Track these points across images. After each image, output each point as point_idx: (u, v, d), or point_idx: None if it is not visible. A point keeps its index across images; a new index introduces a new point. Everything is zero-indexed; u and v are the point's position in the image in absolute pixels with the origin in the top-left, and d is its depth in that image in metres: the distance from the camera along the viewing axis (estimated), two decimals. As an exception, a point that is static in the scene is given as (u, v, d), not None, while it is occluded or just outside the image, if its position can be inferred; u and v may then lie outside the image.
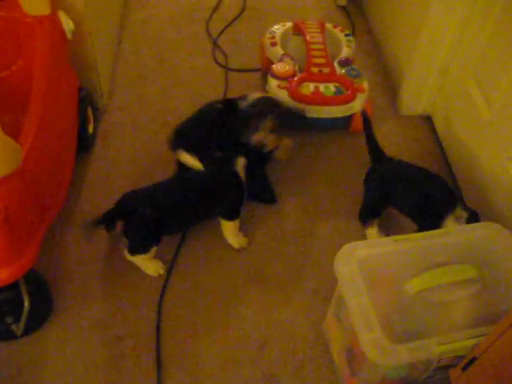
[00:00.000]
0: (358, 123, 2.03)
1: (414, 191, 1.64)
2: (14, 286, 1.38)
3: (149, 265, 1.66)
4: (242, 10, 2.66)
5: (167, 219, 1.59)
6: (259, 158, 1.76)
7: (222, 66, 2.35)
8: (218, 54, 2.42)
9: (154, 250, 1.61)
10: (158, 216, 1.55)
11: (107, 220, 1.55)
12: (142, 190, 1.61)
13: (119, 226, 1.54)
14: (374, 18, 2.56)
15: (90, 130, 1.95)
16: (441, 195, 1.62)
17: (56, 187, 1.61)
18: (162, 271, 1.67)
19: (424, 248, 1.34)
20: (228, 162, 1.67)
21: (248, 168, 1.68)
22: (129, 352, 1.50)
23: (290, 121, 1.82)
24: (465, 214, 1.55)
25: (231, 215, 1.70)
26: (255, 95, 1.82)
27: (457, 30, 1.89)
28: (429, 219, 1.61)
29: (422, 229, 1.54)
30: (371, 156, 1.78)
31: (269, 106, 1.78)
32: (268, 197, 1.85)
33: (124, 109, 2.14)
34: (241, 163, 1.67)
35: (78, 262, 1.68)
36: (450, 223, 1.56)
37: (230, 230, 1.71)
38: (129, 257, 1.64)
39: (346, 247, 1.31)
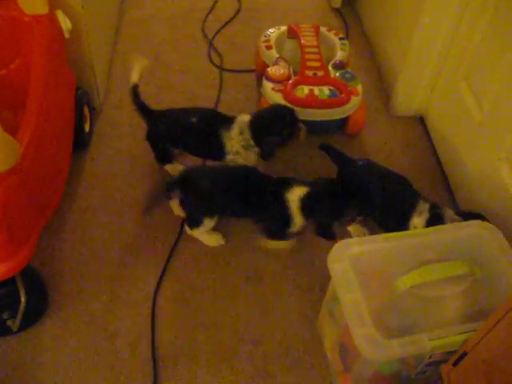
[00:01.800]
0: (352, 125, 2.06)
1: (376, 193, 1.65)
2: (10, 282, 1.39)
3: (208, 237, 1.73)
4: (238, 11, 2.68)
5: (221, 199, 1.64)
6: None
7: (217, 66, 2.37)
8: (214, 54, 2.44)
9: (210, 223, 1.67)
10: (213, 192, 1.62)
11: (169, 187, 1.64)
12: (207, 167, 1.74)
13: (177, 195, 1.63)
14: (367, 21, 2.59)
15: (87, 128, 1.96)
16: (403, 195, 1.63)
17: (53, 185, 1.63)
18: (222, 241, 1.74)
19: (415, 245, 1.36)
20: (282, 186, 1.61)
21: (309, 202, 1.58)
22: (124, 347, 1.52)
23: None
24: (426, 211, 1.57)
25: (267, 234, 1.70)
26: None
27: (449, 33, 1.92)
28: (394, 220, 1.63)
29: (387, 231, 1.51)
30: (337, 165, 1.78)
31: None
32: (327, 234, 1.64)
33: (120, 108, 2.15)
34: (297, 194, 1.59)
35: (74, 258, 1.69)
36: (415, 221, 1.57)
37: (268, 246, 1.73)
38: (188, 231, 1.72)
39: (339, 245, 1.33)
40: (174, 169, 1.87)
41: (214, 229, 1.72)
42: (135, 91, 1.78)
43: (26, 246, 1.39)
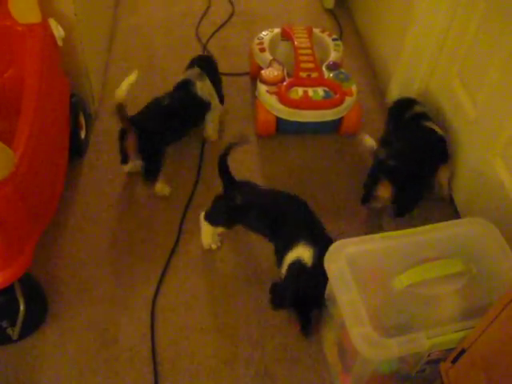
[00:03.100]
0: (347, 126, 2.07)
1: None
2: (9, 290, 1.39)
3: (207, 236, 1.72)
4: (231, 15, 2.69)
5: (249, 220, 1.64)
6: None
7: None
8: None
9: (221, 229, 1.69)
10: (245, 212, 1.63)
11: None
12: (257, 187, 1.68)
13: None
14: (361, 21, 2.60)
15: (82, 135, 1.97)
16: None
17: (49, 192, 1.63)
18: (213, 247, 1.74)
19: (412, 244, 1.37)
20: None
21: None
22: (124, 352, 1.52)
23: None
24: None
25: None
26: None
27: (441, 31, 1.93)
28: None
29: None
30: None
31: None
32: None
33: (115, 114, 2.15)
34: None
35: (73, 265, 1.69)
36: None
37: None
38: (201, 217, 1.71)
39: (336, 245, 1.34)
40: (162, 189, 1.88)
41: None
42: (120, 109, 1.71)
43: (24, 254, 1.39)
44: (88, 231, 1.78)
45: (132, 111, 2.13)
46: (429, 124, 1.87)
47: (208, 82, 1.98)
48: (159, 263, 1.71)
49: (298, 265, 1.47)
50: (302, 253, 1.47)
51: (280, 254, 1.54)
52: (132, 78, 1.71)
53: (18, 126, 1.45)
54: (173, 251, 1.75)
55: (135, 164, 1.82)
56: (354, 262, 1.31)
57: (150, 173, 1.82)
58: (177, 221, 1.82)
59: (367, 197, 1.79)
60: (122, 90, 1.69)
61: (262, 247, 1.75)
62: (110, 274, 1.69)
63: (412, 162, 1.73)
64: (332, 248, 1.33)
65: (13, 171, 1.31)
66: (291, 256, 1.49)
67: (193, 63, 2.05)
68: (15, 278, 1.37)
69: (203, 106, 1.97)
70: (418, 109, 1.94)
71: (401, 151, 1.75)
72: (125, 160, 1.83)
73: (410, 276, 1.26)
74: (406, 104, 1.97)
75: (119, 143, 1.79)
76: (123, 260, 1.72)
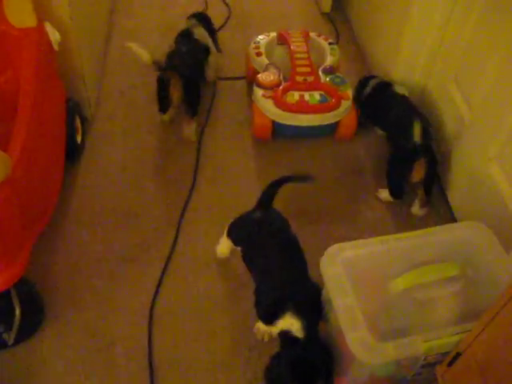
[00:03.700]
0: (344, 130, 2.07)
1: None
2: (4, 295, 1.39)
3: (224, 246, 1.69)
4: (227, 18, 2.69)
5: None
6: None
7: (208, 74, 2.38)
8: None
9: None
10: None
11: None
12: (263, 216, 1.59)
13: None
14: (357, 25, 2.61)
15: (79, 139, 1.97)
16: None
17: (45, 196, 1.63)
18: (223, 256, 1.71)
19: (408, 247, 1.37)
20: None
21: None
22: (121, 357, 1.52)
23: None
24: None
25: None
26: None
27: (437, 35, 1.94)
28: None
29: None
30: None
31: None
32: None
33: (112, 118, 2.16)
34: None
35: (69, 269, 1.69)
36: None
37: None
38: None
39: (332, 248, 1.34)
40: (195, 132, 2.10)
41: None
42: (156, 63, 1.97)
43: (19, 259, 1.39)
44: (84, 235, 1.78)
45: (127, 117, 2.17)
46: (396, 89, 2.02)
47: (202, 30, 2.23)
48: (157, 267, 1.71)
49: (292, 342, 1.35)
50: (291, 325, 1.36)
51: (265, 309, 1.44)
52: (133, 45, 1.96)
53: (14, 130, 1.45)
54: (170, 255, 1.74)
55: (174, 111, 2.12)
56: (350, 265, 1.31)
57: (194, 112, 2.05)
58: (174, 224, 1.82)
59: (400, 188, 1.87)
60: (142, 52, 1.96)
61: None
62: (107, 278, 1.68)
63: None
64: (328, 251, 1.33)
65: (8, 175, 1.31)
66: (281, 324, 1.38)
67: (189, 18, 2.30)
68: (11, 282, 1.37)
69: (205, 50, 2.21)
70: (375, 81, 2.08)
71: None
72: (165, 108, 2.08)
73: (407, 280, 1.26)
74: (364, 80, 2.11)
75: (158, 93, 2.02)
76: (120, 264, 1.72)
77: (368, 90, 2.07)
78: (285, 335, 1.37)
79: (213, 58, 2.26)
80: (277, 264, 1.45)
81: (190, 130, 2.07)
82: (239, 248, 1.62)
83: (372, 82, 2.07)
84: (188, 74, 1.98)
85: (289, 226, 1.56)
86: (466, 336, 1.17)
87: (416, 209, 1.88)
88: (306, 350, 1.33)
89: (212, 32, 2.30)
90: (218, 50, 2.32)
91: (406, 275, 1.27)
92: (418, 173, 1.80)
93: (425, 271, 1.29)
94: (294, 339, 1.35)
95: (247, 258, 1.57)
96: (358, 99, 2.10)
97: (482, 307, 1.22)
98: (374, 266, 1.34)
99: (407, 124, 1.82)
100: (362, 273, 1.32)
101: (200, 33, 2.21)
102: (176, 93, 1.98)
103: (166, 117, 2.13)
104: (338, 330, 1.31)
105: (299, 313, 1.35)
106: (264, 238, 1.51)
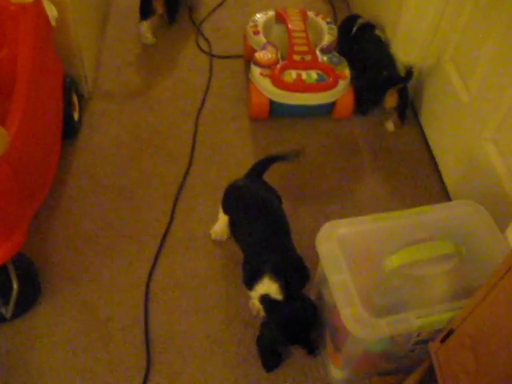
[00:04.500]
0: (340, 109, 2.07)
1: None
2: (2, 269, 1.40)
3: (220, 226, 1.71)
4: (225, -3, 2.67)
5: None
6: None
7: (205, 52, 2.37)
8: (202, 40, 2.43)
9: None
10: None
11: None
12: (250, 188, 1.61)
13: None
14: (355, 5, 2.59)
15: (76, 116, 1.96)
16: None
17: (43, 172, 1.63)
18: (219, 238, 1.73)
19: (403, 225, 1.38)
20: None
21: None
22: (117, 332, 1.54)
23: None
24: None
25: None
26: None
27: (435, 15, 1.93)
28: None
29: None
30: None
31: None
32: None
33: (109, 95, 2.15)
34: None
35: (66, 245, 1.70)
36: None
37: None
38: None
39: (327, 226, 1.35)
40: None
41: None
42: None
43: (17, 234, 1.40)
44: (80, 213, 1.79)
45: (125, 95, 2.17)
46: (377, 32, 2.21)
47: None
48: (153, 244, 1.72)
49: (273, 305, 1.41)
50: (268, 288, 1.41)
51: (248, 274, 1.49)
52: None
53: (12, 106, 1.44)
54: (166, 232, 1.75)
55: (154, 19, 2.36)
56: (345, 243, 1.32)
57: (172, 18, 2.42)
58: (170, 201, 1.82)
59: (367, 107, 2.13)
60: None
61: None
62: (103, 255, 1.69)
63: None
64: (323, 229, 1.34)
65: (6, 150, 1.31)
66: (260, 288, 1.43)
67: None
68: (8, 256, 1.38)
69: None
70: (361, 21, 2.24)
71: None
72: (146, 15, 2.33)
73: (401, 257, 1.27)
74: (351, 19, 2.28)
75: (141, 1, 2.30)
76: (116, 241, 1.73)
77: (354, 30, 2.23)
78: (264, 299, 1.42)
79: None
80: (260, 233, 1.50)
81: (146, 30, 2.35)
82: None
83: (358, 23, 2.23)
84: None
85: (276, 196, 1.61)
86: (459, 313, 1.18)
87: (390, 125, 2.10)
88: (291, 308, 1.39)
89: None
90: None
91: (400, 252, 1.28)
92: (390, 100, 2.03)
93: (419, 249, 1.30)
94: (274, 302, 1.40)
95: (233, 228, 1.61)
96: (343, 38, 2.24)
97: (476, 285, 1.23)
98: (368, 243, 1.35)
99: (382, 64, 2.08)
100: (356, 250, 1.33)
101: None
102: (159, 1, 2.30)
103: (146, 23, 2.34)
104: (332, 306, 1.33)
105: (277, 276, 1.41)
106: (248, 207, 1.55)
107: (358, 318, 1.21)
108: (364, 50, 2.17)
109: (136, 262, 1.69)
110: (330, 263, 1.29)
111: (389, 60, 2.10)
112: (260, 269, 1.44)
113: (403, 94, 2.02)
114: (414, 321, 1.22)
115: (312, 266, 1.50)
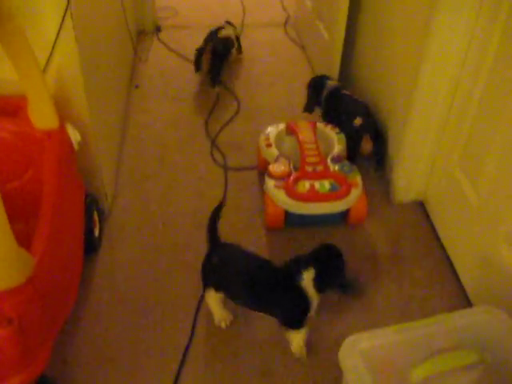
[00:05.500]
0: (354, 216, 2.12)
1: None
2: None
3: (217, 311, 1.77)
4: (237, 112, 2.80)
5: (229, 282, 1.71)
6: None
7: (220, 165, 2.46)
8: (216, 153, 2.53)
9: (215, 295, 1.73)
10: (221, 269, 1.71)
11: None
12: (235, 248, 1.77)
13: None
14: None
15: (96, 232, 2.01)
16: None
17: (66, 293, 1.65)
18: (223, 325, 1.78)
19: (425, 335, 1.38)
20: (293, 276, 1.61)
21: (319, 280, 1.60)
22: None
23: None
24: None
25: (290, 324, 1.67)
26: None
27: (440, 121, 2.02)
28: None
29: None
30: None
31: None
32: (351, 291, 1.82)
33: (128, 210, 2.22)
34: (309, 277, 1.60)
35: (88, 364, 1.69)
36: None
37: (293, 339, 1.69)
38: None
39: (349, 340, 1.35)
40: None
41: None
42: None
43: (40, 356, 1.40)
44: (103, 330, 1.79)
45: (143, 209, 2.22)
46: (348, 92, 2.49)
47: (231, 28, 3.23)
48: (174, 360, 1.71)
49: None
50: None
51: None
52: None
53: (37, 229, 1.48)
54: (188, 347, 1.75)
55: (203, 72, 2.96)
56: (368, 356, 1.31)
57: (215, 79, 2.93)
58: (191, 316, 1.83)
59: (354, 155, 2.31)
60: None
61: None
62: (126, 373, 1.68)
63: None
64: (345, 344, 1.34)
65: (31, 274, 1.34)
66: None
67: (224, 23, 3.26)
68: (31, 380, 1.38)
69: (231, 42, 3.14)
70: (331, 83, 2.52)
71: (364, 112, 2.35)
72: (199, 68, 2.95)
73: (426, 369, 1.27)
74: (320, 80, 2.56)
75: (196, 59, 2.93)
76: (139, 358, 1.72)
77: (325, 92, 2.49)
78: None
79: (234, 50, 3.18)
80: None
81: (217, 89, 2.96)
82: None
83: (328, 85, 2.50)
84: (218, 51, 2.92)
85: (242, 251, 1.75)
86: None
87: (372, 171, 2.36)
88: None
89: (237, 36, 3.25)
90: (239, 51, 3.27)
91: (426, 364, 1.28)
92: (366, 146, 2.30)
93: (443, 359, 1.29)
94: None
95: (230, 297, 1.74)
96: (315, 100, 2.53)
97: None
98: (391, 355, 1.34)
99: (351, 117, 2.30)
100: (380, 363, 1.32)
101: (229, 30, 3.15)
102: (206, 60, 2.89)
103: (198, 74, 3.00)
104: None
105: None
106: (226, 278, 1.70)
107: None
108: (336, 109, 2.43)
109: (157, 363, 1.68)
110: (354, 378, 1.28)
111: (361, 109, 2.35)
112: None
113: (378, 140, 2.29)
114: None
115: (334, 380, 1.48)
